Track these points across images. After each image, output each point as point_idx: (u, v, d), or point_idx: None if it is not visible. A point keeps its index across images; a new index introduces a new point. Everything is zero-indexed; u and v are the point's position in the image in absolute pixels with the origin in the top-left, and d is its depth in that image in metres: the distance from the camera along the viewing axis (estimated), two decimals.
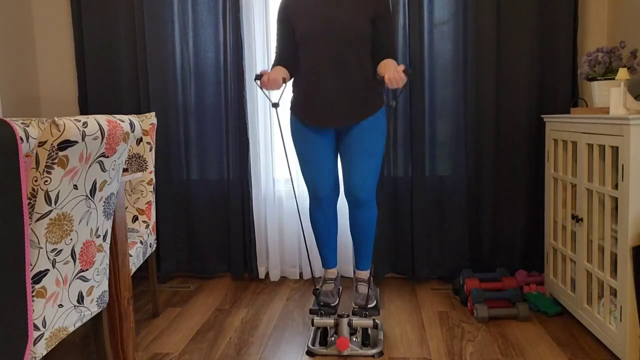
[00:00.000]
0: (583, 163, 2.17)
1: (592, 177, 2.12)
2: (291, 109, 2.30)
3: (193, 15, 2.93)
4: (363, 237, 2.30)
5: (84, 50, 3.00)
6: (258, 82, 2.02)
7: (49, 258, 1.35)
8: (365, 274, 2.35)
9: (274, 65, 2.26)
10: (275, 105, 2.12)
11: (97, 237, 1.57)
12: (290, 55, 2.25)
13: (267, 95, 2.14)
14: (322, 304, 2.24)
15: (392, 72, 1.97)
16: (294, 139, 2.29)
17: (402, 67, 1.99)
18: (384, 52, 2.21)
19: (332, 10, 2.14)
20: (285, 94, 2.41)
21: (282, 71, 2.19)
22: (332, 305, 2.25)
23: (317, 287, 2.35)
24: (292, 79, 2.29)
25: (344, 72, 2.14)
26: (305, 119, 2.22)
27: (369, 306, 2.21)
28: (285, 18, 2.23)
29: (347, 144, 2.23)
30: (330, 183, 2.28)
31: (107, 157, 1.48)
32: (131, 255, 2.14)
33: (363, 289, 2.30)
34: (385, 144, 2.25)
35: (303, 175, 2.30)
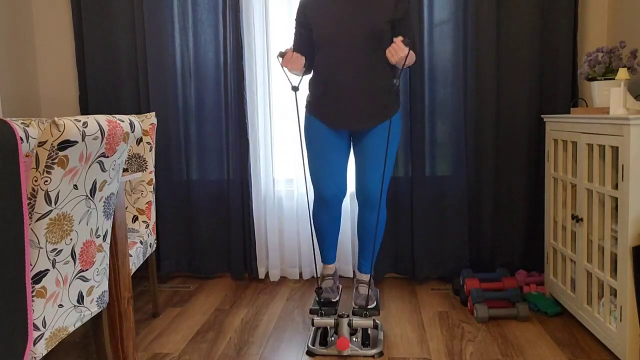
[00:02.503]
0: (583, 163, 2.17)
1: (592, 177, 2.12)
2: (307, 107, 2.28)
3: (193, 15, 2.93)
4: (369, 238, 2.29)
5: (84, 50, 3.00)
6: (281, 59, 2.08)
7: (49, 258, 1.35)
8: (366, 277, 2.35)
9: None
10: (295, 88, 2.13)
11: (97, 237, 1.57)
12: (307, 55, 2.26)
13: (287, 77, 2.15)
14: (323, 300, 2.25)
15: (392, 44, 1.99)
16: (308, 136, 2.27)
17: (399, 38, 1.99)
18: None
19: (350, 11, 2.13)
20: (304, 81, 2.43)
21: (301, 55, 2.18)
22: (334, 300, 2.25)
23: (320, 285, 2.35)
24: (309, 79, 2.28)
25: (361, 74, 2.13)
26: (322, 119, 2.21)
27: (369, 306, 2.21)
28: (304, 19, 2.23)
29: (362, 146, 2.22)
30: (338, 184, 2.25)
31: (107, 157, 1.48)
32: (131, 255, 2.14)
33: (363, 290, 2.30)
34: (397, 147, 2.24)
35: (311, 173, 2.27)
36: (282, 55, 2.08)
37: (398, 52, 1.99)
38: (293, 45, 2.28)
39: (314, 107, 2.24)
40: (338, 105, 2.17)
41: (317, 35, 2.17)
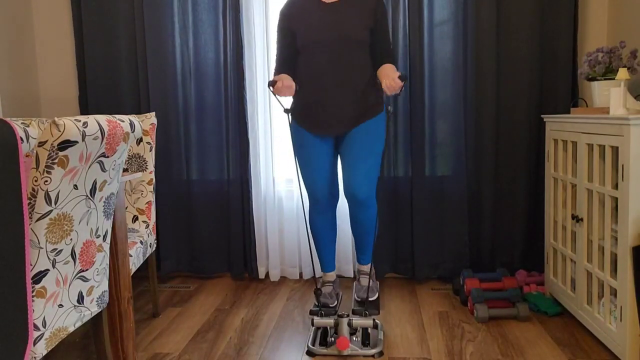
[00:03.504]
0: (583, 163, 2.17)
1: (592, 177, 2.12)
2: (291, 114, 2.31)
3: (193, 15, 2.93)
4: (363, 233, 2.32)
5: (84, 50, 3.00)
6: (272, 88, 2.12)
7: (49, 258, 1.35)
8: (366, 267, 2.38)
9: (276, 73, 2.28)
10: (288, 111, 2.20)
11: (97, 237, 1.57)
12: (291, 62, 2.28)
13: (279, 102, 2.20)
14: (321, 304, 2.26)
15: (389, 80, 2.01)
16: (294, 143, 2.32)
17: (397, 74, 2.04)
18: (383, 56, 2.24)
19: (332, 17, 2.17)
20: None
21: (290, 78, 2.21)
22: (331, 306, 2.27)
23: (318, 286, 2.36)
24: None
25: (344, 79, 2.17)
26: (305, 126, 2.25)
27: (370, 299, 2.23)
28: (287, 25, 2.25)
29: (346, 145, 2.25)
30: (329, 187, 2.30)
31: (107, 157, 1.48)
32: (131, 255, 2.14)
33: (364, 281, 2.33)
34: (384, 145, 2.27)
35: (303, 179, 2.32)
36: (272, 84, 2.09)
37: (395, 89, 2.02)
38: (277, 54, 2.31)
39: (297, 114, 2.28)
40: (321, 111, 2.21)
41: (300, 41, 2.20)
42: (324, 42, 2.15)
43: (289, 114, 2.20)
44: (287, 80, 2.09)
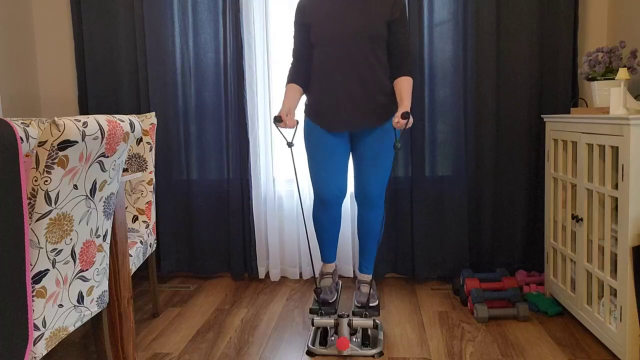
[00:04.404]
0: (583, 163, 2.17)
1: (592, 177, 2.12)
2: (306, 110, 2.30)
3: (193, 15, 2.93)
4: (369, 237, 2.30)
5: (84, 50, 3.00)
6: (276, 123, 2.16)
7: (49, 258, 1.35)
8: (367, 277, 2.36)
9: (289, 82, 2.25)
10: (290, 144, 2.16)
11: (97, 237, 1.57)
12: (308, 59, 2.26)
13: (283, 135, 2.18)
14: (321, 301, 2.25)
15: (397, 117, 2.01)
16: (307, 140, 2.29)
17: (399, 114, 2.01)
18: (400, 55, 2.20)
19: (349, 12, 2.14)
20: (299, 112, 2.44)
21: (295, 101, 2.21)
22: (330, 301, 2.26)
23: (318, 286, 2.36)
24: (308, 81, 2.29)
25: (359, 74, 2.14)
26: (320, 122, 2.22)
27: (370, 305, 2.22)
28: (303, 19, 2.23)
29: (361, 146, 2.23)
30: (337, 187, 2.27)
31: (107, 157, 1.48)
32: (131, 255, 2.14)
33: (365, 289, 2.31)
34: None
35: (311, 176, 2.29)
36: (277, 119, 2.13)
37: (402, 125, 2.01)
38: (293, 49, 2.29)
39: (312, 110, 2.25)
40: (336, 106, 2.17)
41: (315, 35, 2.17)
42: (339, 36, 2.13)
43: (292, 147, 2.18)
44: (290, 120, 2.13)
